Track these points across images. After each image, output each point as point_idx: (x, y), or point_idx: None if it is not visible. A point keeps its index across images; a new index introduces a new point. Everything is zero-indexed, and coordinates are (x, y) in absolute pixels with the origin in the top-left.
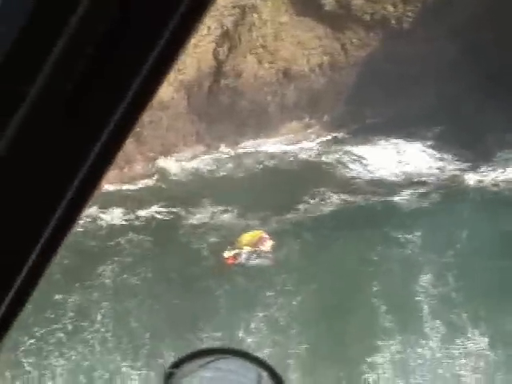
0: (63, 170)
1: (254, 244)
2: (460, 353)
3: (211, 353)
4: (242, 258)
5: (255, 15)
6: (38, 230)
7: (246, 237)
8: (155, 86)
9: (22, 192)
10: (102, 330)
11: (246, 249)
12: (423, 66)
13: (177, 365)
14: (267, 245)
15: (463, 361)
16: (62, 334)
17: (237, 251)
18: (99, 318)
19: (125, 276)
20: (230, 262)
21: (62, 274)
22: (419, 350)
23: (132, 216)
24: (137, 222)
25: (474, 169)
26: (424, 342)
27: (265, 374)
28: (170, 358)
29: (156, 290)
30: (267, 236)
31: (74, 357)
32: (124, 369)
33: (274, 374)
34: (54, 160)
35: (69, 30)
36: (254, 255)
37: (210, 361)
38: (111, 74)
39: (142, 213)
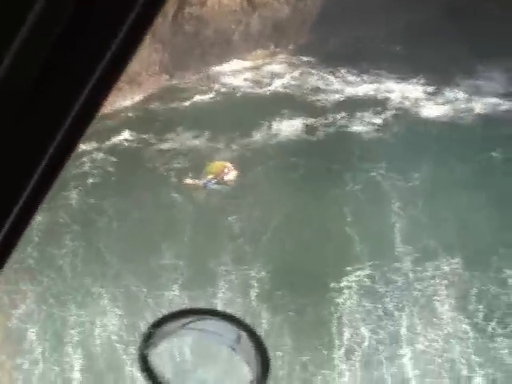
0: (19, 167)
1: (219, 173)
2: (432, 275)
3: (191, 313)
4: (203, 184)
5: None
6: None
7: (212, 166)
8: (112, 81)
9: None
10: (71, 253)
11: (209, 177)
12: None
13: (156, 325)
14: (231, 174)
15: (436, 281)
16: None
17: (197, 180)
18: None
19: (91, 200)
20: (191, 187)
21: None
22: (390, 275)
23: (101, 144)
24: (105, 149)
25: (435, 95)
26: (395, 266)
27: (244, 334)
28: (134, 280)
29: (121, 212)
30: (231, 166)
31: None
32: (94, 289)
33: (253, 334)
34: (10, 156)
35: (26, 27)
36: (215, 182)
37: (189, 321)
38: (68, 70)
39: (113, 140)
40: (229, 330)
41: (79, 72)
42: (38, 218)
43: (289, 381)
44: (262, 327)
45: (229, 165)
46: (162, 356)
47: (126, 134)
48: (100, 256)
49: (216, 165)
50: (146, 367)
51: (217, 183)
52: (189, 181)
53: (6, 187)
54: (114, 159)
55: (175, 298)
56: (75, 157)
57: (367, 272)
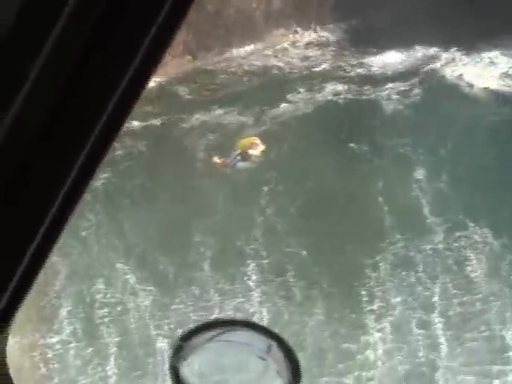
0: (56, 166)
1: (246, 149)
2: (463, 245)
3: (220, 325)
4: (230, 162)
5: None
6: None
7: (240, 142)
8: (150, 70)
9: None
10: (96, 228)
11: (236, 152)
12: None
13: (185, 338)
14: (257, 149)
15: (468, 251)
16: None
17: (224, 159)
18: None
19: (117, 180)
20: (219, 166)
21: None
22: (421, 246)
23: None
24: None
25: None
26: (425, 237)
27: (274, 343)
28: (161, 258)
29: (149, 192)
30: (258, 141)
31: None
32: (118, 265)
33: (282, 344)
34: (47, 152)
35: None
36: (240, 158)
37: (218, 333)
38: (105, 61)
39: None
40: (258, 340)
41: (120, 58)
42: None
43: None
44: (296, 300)
45: (256, 140)
46: (193, 368)
47: (153, 115)
48: (123, 235)
49: (243, 141)
50: (178, 380)
51: (242, 159)
52: (216, 159)
53: (51, 176)
54: (142, 140)
55: (206, 278)
56: None
57: (400, 244)
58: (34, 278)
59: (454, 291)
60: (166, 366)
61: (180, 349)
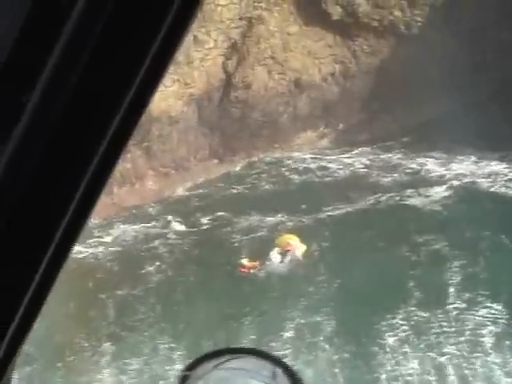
0: (66, 176)
1: (286, 248)
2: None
3: (224, 353)
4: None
5: (262, 26)
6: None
7: (281, 240)
8: (156, 82)
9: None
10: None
11: (276, 252)
12: (437, 70)
13: (191, 367)
14: (299, 249)
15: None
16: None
17: (254, 263)
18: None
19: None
20: (244, 270)
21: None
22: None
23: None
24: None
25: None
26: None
27: (279, 370)
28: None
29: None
30: (297, 240)
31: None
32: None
33: (288, 371)
34: (55, 166)
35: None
36: (284, 260)
37: (223, 361)
38: (110, 75)
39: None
40: (263, 367)
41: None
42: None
43: None
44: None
45: (294, 239)
46: None
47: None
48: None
49: (282, 239)
50: None
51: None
52: (246, 262)
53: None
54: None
55: None
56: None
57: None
58: (33, 319)
59: None
60: None
61: (185, 378)
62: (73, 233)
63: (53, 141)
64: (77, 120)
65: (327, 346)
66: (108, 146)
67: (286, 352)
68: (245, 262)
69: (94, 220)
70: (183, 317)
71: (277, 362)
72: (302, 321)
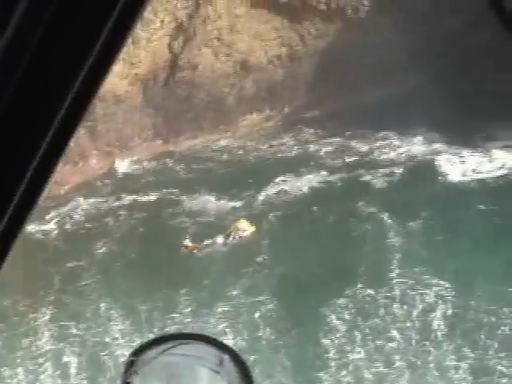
0: (12, 166)
1: (235, 231)
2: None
3: (172, 338)
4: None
5: (209, 7)
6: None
7: (233, 225)
8: (104, 71)
9: None
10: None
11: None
12: (381, 57)
13: (138, 352)
14: (247, 231)
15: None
16: None
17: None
18: None
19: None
20: (186, 250)
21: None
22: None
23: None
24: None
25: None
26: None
27: (226, 356)
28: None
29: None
30: (247, 223)
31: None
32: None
33: (235, 357)
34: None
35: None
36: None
37: (170, 347)
38: (58, 61)
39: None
40: (211, 354)
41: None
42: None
43: None
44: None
45: (244, 223)
46: (145, 382)
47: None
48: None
49: (234, 224)
50: None
51: (234, 239)
52: (188, 243)
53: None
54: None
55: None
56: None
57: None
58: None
59: None
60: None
61: (132, 364)
62: (22, 216)
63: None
64: (24, 108)
65: (268, 329)
66: (57, 132)
67: (222, 328)
68: (187, 242)
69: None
70: (120, 285)
71: (224, 348)
72: (242, 300)
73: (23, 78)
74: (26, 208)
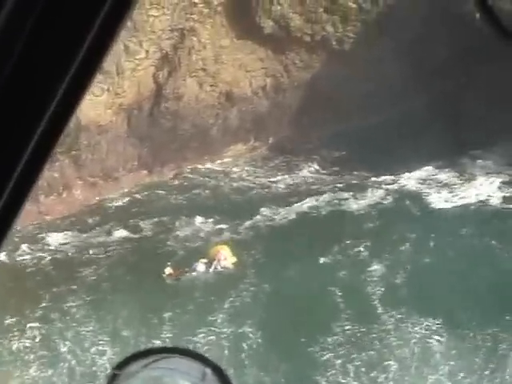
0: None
1: (215, 257)
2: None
3: (154, 352)
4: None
5: (194, 38)
6: None
7: (212, 250)
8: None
9: None
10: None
11: (202, 261)
12: (367, 88)
13: (120, 366)
14: (228, 260)
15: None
16: None
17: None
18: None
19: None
20: (173, 276)
21: None
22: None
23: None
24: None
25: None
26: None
27: (209, 370)
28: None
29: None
30: (228, 251)
31: None
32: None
33: (217, 370)
34: None
35: None
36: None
37: (153, 360)
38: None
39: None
40: (193, 368)
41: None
42: None
43: None
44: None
45: (225, 249)
46: None
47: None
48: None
49: (214, 249)
50: None
51: (216, 267)
52: (169, 270)
53: None
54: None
55: None
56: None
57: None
58: None
59: None
60: None
61: (114, 377)
62: (9, 216)
63: None
64: (13, 105)
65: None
66: (35, 148)
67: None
68: (168, 270)
69: (28, 227)
70: (108, 308)
71: (206, 361)
72: (225, 329)
73: (11, 75)
74: (13, 208)
